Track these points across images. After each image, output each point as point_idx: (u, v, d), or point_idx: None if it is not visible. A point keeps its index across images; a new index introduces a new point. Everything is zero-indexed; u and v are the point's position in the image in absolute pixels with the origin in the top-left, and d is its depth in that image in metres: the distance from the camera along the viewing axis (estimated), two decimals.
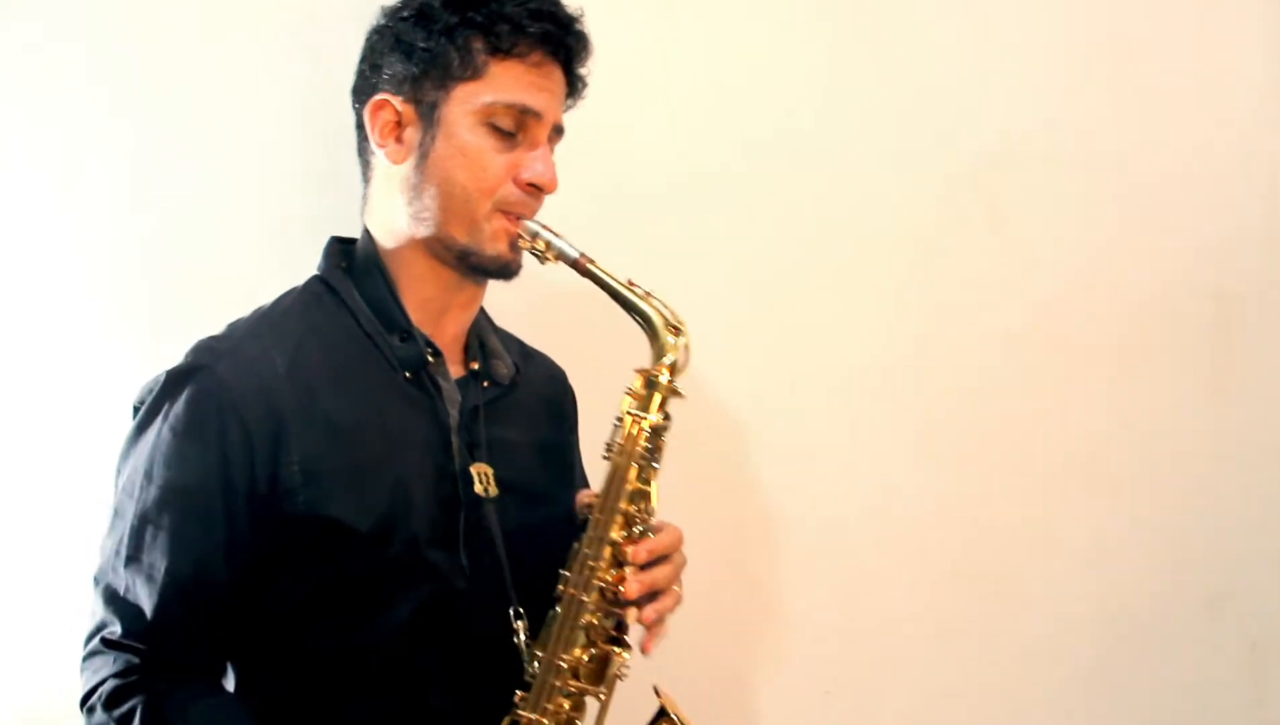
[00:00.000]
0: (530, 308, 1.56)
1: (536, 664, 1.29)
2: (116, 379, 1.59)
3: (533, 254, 1.33)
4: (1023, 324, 1.99)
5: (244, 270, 1.66)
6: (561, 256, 1.31)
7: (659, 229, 1.84)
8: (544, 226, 1.33)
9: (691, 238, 1.86)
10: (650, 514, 1.32)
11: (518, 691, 1.29)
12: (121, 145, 1.64)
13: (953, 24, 1.95)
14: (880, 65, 1.93)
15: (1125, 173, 2.02)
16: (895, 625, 1.96)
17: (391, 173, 1.35)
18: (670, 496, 1.81)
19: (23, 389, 1.62)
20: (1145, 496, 2.04)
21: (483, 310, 1.46)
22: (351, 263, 1.39)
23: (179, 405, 1.25)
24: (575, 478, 1.51)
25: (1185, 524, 2.05)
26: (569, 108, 1.42)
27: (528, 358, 1.53)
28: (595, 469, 1.38)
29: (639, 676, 1.34)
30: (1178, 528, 2.05)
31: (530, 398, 1.47)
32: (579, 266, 1.31)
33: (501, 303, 1.48)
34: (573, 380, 1.58)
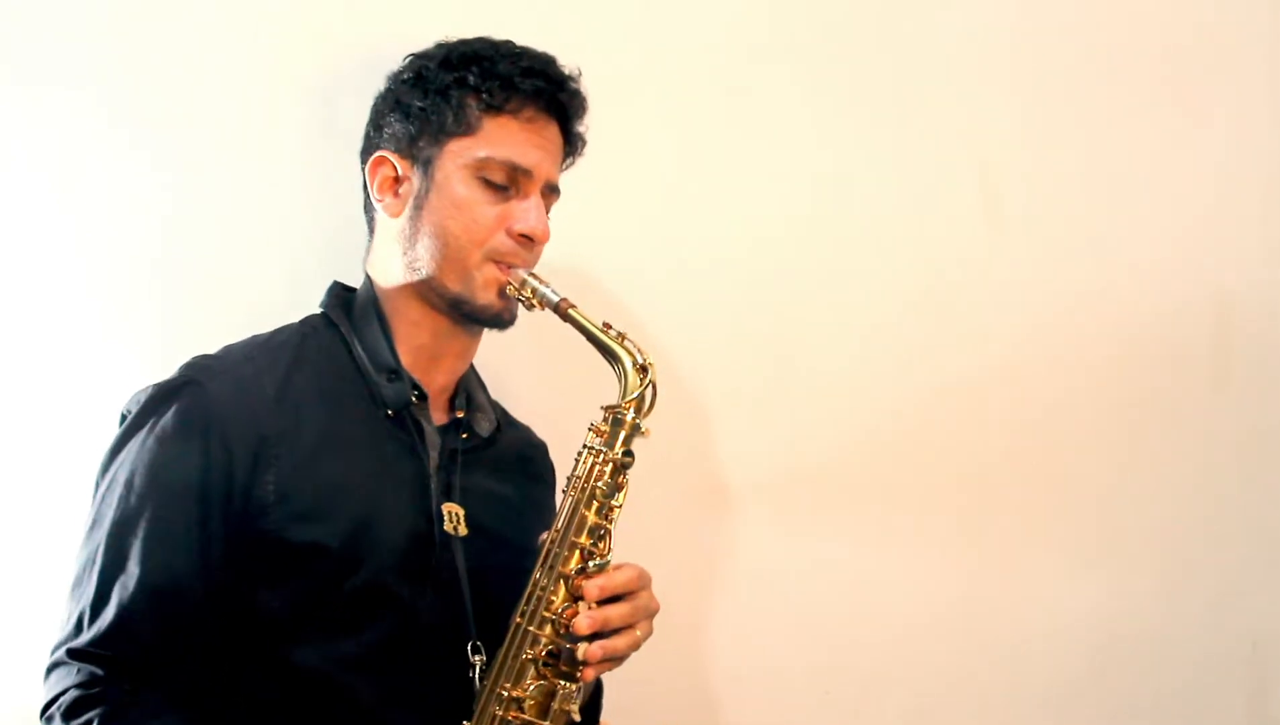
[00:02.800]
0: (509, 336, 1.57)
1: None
2: (117, 379, 1.59)
3: (520, 301, 1.38)
4: (1023, 324, 1.99)
5: (245, 270, 1.66)
6: (545, 301, 1.36)
7: (654, 228, 1.84)
8: (530, 274, 1.37)
9: (687, 237, 1.86)
10: (608, 552, 1.33)
11: (464, 722, 1.30)
12: (122, 145, 1.64)
13: (954, 24, 1.95)
14: (881, 64, 1.93)
15: (1125, 172, 2.02)
16: (894, 625, 1.96)
17: (390, 225, 1.41)
18: (667, 496, 1.83)
19: (23, 389, 1.62)
20: (1145, 496, 2.04)
21: (474, 370, 1.51)
22: (351, 307, 1.43)
23: (167, 418, 1.28)
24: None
25: (1186, 524, 2.05)
26: (568, 166, 1.48)
27: (510, 425, 1.58)
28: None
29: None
30: (1178, 527, 2.05)
31: (508, 454, 1.51)
32: (560, 311, 1.36)
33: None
34: (551, 414, 1.60)
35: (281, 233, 1.67)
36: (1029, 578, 2.01)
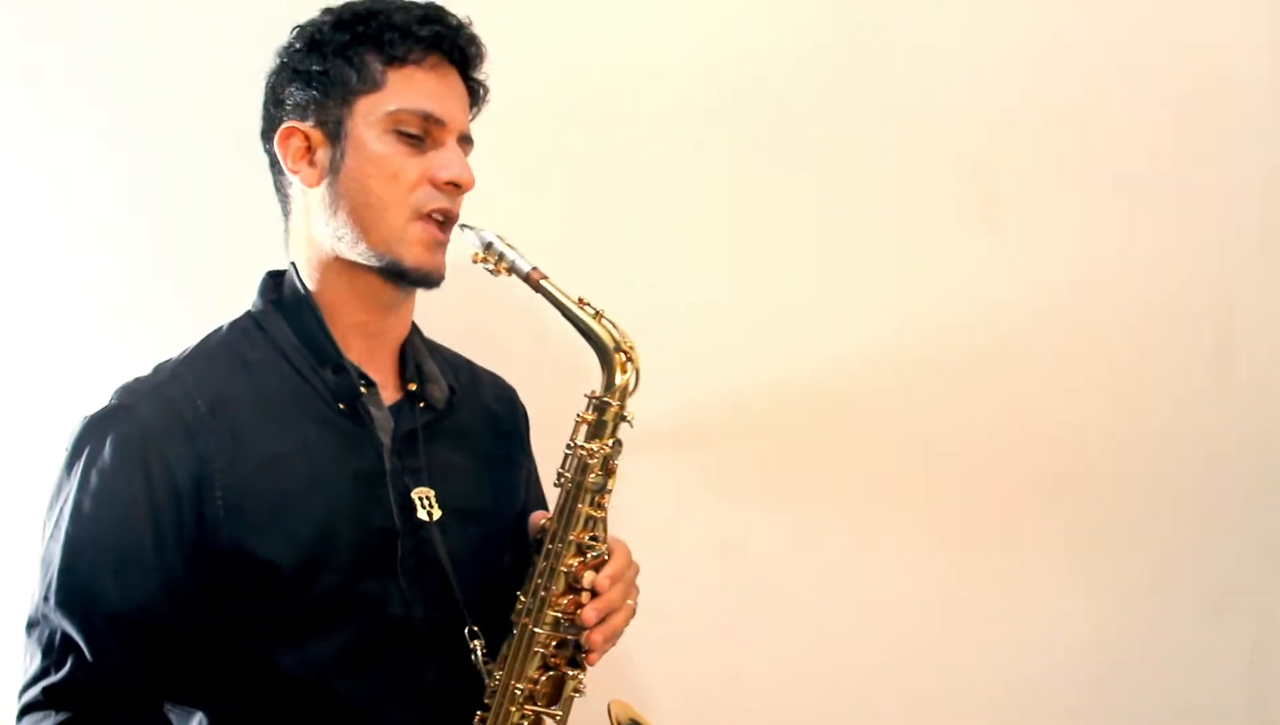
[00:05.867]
0: (485, 317, 1.55)
1: (495, 685, 1.31)
2: (115, 380, 1.59)
3: (485, 267, 1.33)
4: (1022, 322, 1.98)
5: (244, 269, 1.66)
6: (513, 269, 1.31)
7: (653, 223, 1.84)
8: (499, 238, 1.33)
9: (686, 233, 1.86)
10: (603, 539, 1.33)
11: (478, 713, 1.32)
12: (120, 144, 1.64)
13: (952, 19, 1.95)
14: (879, 60, 1.93)
15: (1125, 170, 2.01)
16: (893, 626, 1.96)
17: (309, 197, 1.36)
18: (663, 494, 1.83)
19: (23, 390, 1.62)
20: (1145, 495, 2.04)
21: (420, 335, 1.47)
22: (281, 296, 1.39)
23: (102, 448, 1.26)
24: (521, 495, 1.52)
25: (1186, 523, 2.05)
26: (475, 115, 1.43)
27: (476, 379, 1.54)
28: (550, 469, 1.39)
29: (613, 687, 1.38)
30: (1178, 527, 2.05)
31: (473, 418, 1.48)
32: (531, 281, 1.31)
33: (453, 314, 1.49)
34: (528, 388, 1.58)
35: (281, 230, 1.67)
36: (1028, 578, 2.00)
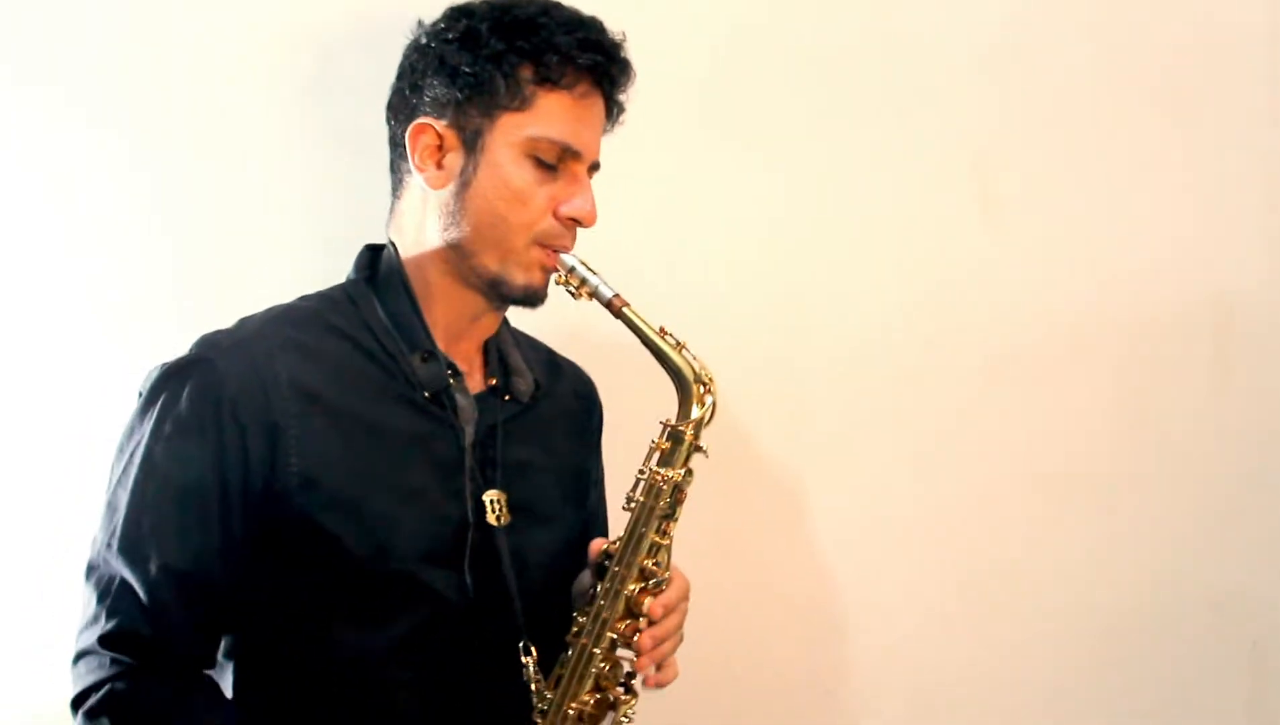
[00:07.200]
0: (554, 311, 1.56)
1: (545, 705, 1.31)
2: (119, 381, 1.59)
3: (566, 289, 1.33)
4: (1021, 322, 1.99)
5: (245, 269, 1.66)
6: (595, 295, 1.32)
7: (650, 219, 1.83)
8: (582, 262, 1.33)
9: (682, 233, 1.86)
10: (666, 567, 1.34)
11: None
12: (120, 144, 1.64)
13: (952, 16, 1.95)
14: (878, 57, 1.93)
15: (1124, 171, 2.02)
16: (895, 625, 1.96)
17: (429, 196, 1.35)
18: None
19: (23, 391, 1.62)
20: (1145, 495, 2.04)
21: (508, 326, 1.46)
22: (376, 273, 1.38)
23: (178, 398, 1.25)
24: (590, 498, 1.52)
25: (1186, 523, 2.05)
26: (606, 132, 1.42)
27: (556, 369, 1.53)
28: (617, 486, 1.40)
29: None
30: (1178, 527, 2.05)
31: (552, 414, 1.47)
32: (613, 307, 1.31)
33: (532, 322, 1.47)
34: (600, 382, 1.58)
35: (286, 232, 1.67)
36: (1029, 578, 2.01)
